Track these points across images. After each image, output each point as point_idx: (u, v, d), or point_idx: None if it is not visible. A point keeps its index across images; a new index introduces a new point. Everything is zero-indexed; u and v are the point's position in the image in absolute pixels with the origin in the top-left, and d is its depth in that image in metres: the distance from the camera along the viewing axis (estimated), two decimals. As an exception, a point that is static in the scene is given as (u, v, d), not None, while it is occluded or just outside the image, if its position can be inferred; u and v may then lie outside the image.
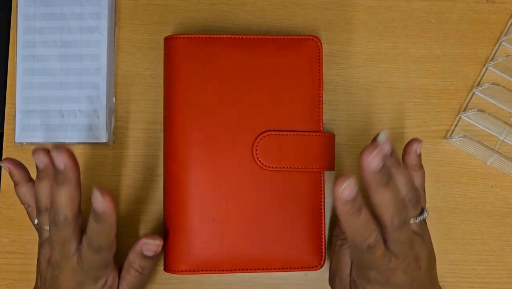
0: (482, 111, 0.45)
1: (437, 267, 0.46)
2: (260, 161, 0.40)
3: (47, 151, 0.37)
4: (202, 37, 0.42)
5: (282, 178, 0.41)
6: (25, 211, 0.41)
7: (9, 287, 0.45)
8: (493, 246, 0.46)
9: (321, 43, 0.42)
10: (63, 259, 0.37)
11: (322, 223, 0.42)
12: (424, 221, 0.38)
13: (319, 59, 0.42)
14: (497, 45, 0.48)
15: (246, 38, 0.42)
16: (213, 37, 0.42)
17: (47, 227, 0.37)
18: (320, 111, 0.42)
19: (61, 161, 0.34)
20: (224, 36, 0.42)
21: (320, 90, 0.42)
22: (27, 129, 0.46)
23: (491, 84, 0.45)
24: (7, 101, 0.47)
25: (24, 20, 0.47)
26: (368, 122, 0.47)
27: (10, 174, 0.40)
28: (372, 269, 0.35)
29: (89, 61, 0.46)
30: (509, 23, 0.48)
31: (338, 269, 0.40)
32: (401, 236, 0.35)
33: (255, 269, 0.41)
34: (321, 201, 0.42)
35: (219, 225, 0.40)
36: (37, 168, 0.37)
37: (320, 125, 0.42)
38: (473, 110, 0.45)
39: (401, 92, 0.47)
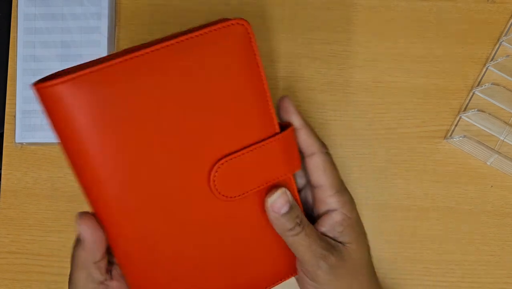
0: (482, 111, 0.44)
1: (438, 267, 0.46)
2: (221, 193, 0.33)
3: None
4: (88, 73, 0.29)
5: (248, 202, 0.34)
6: (25, 211, 0.40)
7: (9, 287, 0.45)
8: (493, 246, 0.46)
9: (249, 26, 0.32)
10: None
11: None
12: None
13: (252, 47, 0.32)
14: (497, 45, 0.48)
15: (148, 53, 0.30)
16: (104, 68, 0.29)
17: None
18: (270, 109, 0.33)
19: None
20: (116, 62, 0.29)
21: (263, 84, 0.33)
22: (27, 129, 0.46)
23: (491, 84, 0.45)
24: (7, 101, 0.47)
25: (24, 20, 0.47)
26: (368, 122, 0.47)
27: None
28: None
29: (89, 61, 0.46)
30: (509, 23, 0.48)
31: None
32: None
33: None
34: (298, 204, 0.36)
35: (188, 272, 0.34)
36: None
37: (274, 126, 0.34)
38: (473, 110, 0.45)
39: (401, 92, 0.47)
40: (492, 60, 0.47)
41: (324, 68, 0.47)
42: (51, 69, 0.46)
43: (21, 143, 0.47)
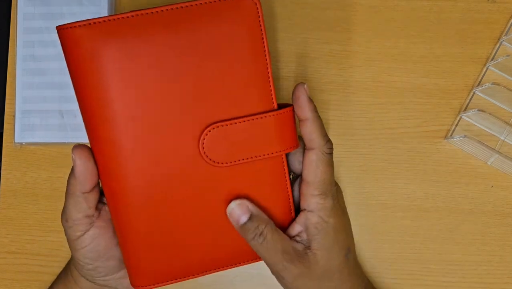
0: (482, 111, 0.44)
1: (438, 267, 0.46)
2: (208, 157, 0.34)
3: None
4: (106, 21, 0.31)
5: (237, 173, 0.35)
6: (25, 211, 0.40)
7: (8, 287, 0.45)
8: (493, 246, 0.46)
9: (259, 2, 0.33)
10: None
11: (290, 209, 0.37)
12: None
13: (260, 22, 0.33)
14: (498, 44, 0.47)
15: (163, 11, 0.32)
16: (120, 18, 0.31)
17: None
18: (270, 86, 0.34)
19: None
20: (135, 14, 0.31)
21: (266, 61, 0.34)
22: (27, 129, 0.46)
23: (491, 84, 0.45)
24: (6, 101, 0.47)
25: (23, 20, 0.47)
26: (368, 122, 0.47)
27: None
28: None
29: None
30: (510, 23, 0.48)
31: None
32: None
33: (224, 267, 0.37)
34: (286, 186, 0.36)
35: (171, 234, 0.35)
36: None
37: (273, 103, 0.34)
38: (473, 110, 0.45)
39: (401, 92, 0.47)
40: (492, 60, 0.47)
41: (324, 68, 0.47)
42: (50, 69, 0.46)
43: (21, 143, 0.46)
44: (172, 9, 0.32)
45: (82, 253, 0.35)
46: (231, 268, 0.37)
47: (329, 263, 0.35)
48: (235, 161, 0.34)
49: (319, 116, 0.35)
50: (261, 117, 0.34)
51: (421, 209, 0.46)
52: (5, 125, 0.47)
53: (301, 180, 0.35)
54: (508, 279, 0.45)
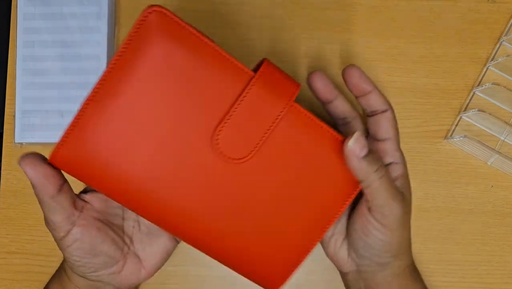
0: (482, 111, 0.44)
1: (438, 267, 0.46)
2: (230, 157, 0.33)
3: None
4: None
5: (260, 163, 0.34)
6: (25, 211, 0.40)
7: (8, 287, 0.45)
8: (493, 246, 0.46)
9: (163, 8, 0.31)
10: None
11: (340, 140, 0.35)
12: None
13: (175, 22, 0.32)
14: (498, 45, 0.47)
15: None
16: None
17: None
18: (229, 61, 0.32)
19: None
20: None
21: (210, 47, 0.32)
22: (27, 129, 0.46)
23: (491, 84, 0.45)
24: (7, 101, 0.47)
25: (24, 20, 0.47)
26: (368, 122, 0.47)
27: None
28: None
29: (89, 61, 0.46)
30: (510, 23, 0.48)
31: None
32: None
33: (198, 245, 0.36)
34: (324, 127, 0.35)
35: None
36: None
37: (245, 73, 0.33)
38: (473, 110, 0.45)
39: (401, 92, 0.47)
40: (492, 60, 0.47)
41: (324, 68, 0.47)
42: (50, 69, 0.46)
43: (21, 144, 0.46)
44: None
45: (69, 251, 0.35)
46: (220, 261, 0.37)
47: (410, 209, 0.38)
48: (254, 148, 0.33)
49: (376, 87, 0.38)
50: (247, 92, 0.33)
51: (421, 209, 0.46)
52: (5, 125, 0.47)
53: (376, 141, 0.38)
54: (508, 279, 0.45)
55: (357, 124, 0.39)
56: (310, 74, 0.38)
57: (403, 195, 0.36)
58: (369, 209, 0.36)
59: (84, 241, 0.34)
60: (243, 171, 0.34)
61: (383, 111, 0.38)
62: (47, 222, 0.35)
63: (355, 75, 0.37)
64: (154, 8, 0.30)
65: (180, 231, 0.35)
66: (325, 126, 0.35)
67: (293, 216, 0.35)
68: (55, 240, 0.35)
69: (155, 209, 0.34)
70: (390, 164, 0.38)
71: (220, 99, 0.32)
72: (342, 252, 0.39)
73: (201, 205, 0.34)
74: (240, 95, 0.32)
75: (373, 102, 0.38)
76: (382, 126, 0.38)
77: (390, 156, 0.38)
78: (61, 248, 0.35)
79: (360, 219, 0.37)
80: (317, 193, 0.35)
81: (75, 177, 0.33)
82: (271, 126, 0.33)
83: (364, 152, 0.33)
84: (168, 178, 0.33)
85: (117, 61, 0.31)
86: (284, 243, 0.36)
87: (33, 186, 0.33)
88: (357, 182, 0.36)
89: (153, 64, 0.31)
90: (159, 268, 0.38)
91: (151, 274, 0.38)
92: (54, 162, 0.32)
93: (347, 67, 0.37)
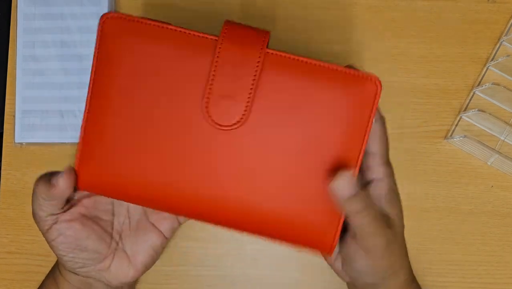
0: (482, 111, 0.44)
1: (438, 267, 0.46)
2: (220, 124, 0.32)
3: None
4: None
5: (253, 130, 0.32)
6: (25, 211, 0.40)
7: (8, 287, 0.45)
8: (493, 246, 0.46)
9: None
10: None
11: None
12: None
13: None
14: (498, 45, 0.47)
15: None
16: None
17: None
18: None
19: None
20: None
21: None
22: (27, 129, 0.46)
23: (491, 84, 0.45)
24: (7, 101, 0.47)
25: (24, 20, 0.47)
26: (368, 122, 0.47)
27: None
28: None
29: (89, 61, 0.46)
30: (510, 23, 0.48)
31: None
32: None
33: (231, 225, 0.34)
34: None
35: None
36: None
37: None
38: (473, 110, 0.45)
39: (402, 92, 0.47)
40: (492, 60, 0.47)
41: (324, 68, 0.47)
42: (50, 69, 0.46)
43: (21, 143, 0.46)
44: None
45: (54, 245, 0.35)
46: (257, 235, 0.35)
47: (401, 229, 0.36)
48: (244, 111, 0.32)
49: None
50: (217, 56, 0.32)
51: (421, 209, 0.46)
52: (5, 125, 0.47)
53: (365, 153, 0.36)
54: (508, 279, 0.45)
55: (376, 127, 0.35)
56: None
57: (388, 221, 0.35)
58: (354, 235, 0.35)
59: (67, 236, 0.35)
60: (245, 133, 0.32)
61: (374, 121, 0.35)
62: (33, 215, 0.35)
63: None
64: (106, 16, 0.32)
65: (212, 215, 0.34)
66: (311, 61, 0.32)
67: (313, 166, 0.33)
68: (42, 233, 0.36)
69: (181, 202, 0.33)
70: (372, 180, 0.36)
71: (196, 73, 0.32)
72: (337, 264, 0.38)
73: (221, 182, 0.33)
74: (212, 61, 0.31)
75: None
76: (369, 139, 0.35)
77: (373, 171, 0.35)
78: (47, 241, 0.36)
79: (346, 243, 0.36)
80: (329, 133, 0.33)
81: (98, 194, 0.35)
82: (254, 80, 0.31)
83: (348, 193, 0.32)
84: (181, 168, 0.33)
85: (94, 79, 0.33)
86: (314, 197, 0.34)
87: (44, 186, 0.33)
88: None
89: (126, 65, 0.32)
90: (147, 266, 0.38)
91: (139, 272, 0.38)
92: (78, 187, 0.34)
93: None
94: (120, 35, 0.32)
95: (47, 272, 0.45)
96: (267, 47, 0.32)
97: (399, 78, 0.48)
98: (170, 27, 0.32)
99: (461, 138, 0.45)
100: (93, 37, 0.46)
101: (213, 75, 0.31)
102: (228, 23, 0.32)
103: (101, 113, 0.32)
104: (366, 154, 0.35)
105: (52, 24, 0.47)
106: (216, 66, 0.31)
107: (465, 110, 0.47)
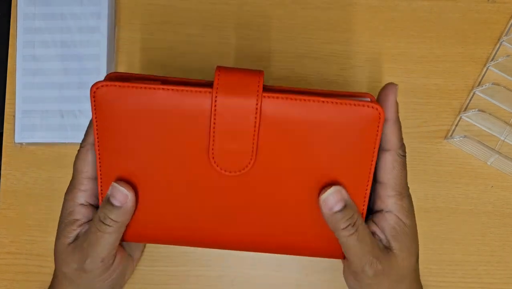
0: (482, 111, 0.44)
1: (438, 267, 0.46)
2: (226, 170, 0.34)
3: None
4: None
5: (257, 174, 0.34)
6: (25, 211, 0.40)
7: (8, 287, 0.45)
8: (493, 246, 0.46)
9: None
10: None
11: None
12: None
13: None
14: (498, 45, 0.47)
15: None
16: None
17: None
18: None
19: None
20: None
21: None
22: (27, 129, 0.46)
23: (491, 84, 0.45)
24: (7, 101, 0.47)
25: (24, 20, 0.47)
26: (368, 122, 0.47)
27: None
28: None
29: (89, 61, 0.46)
30: (510, 23, 0.48)
31: None
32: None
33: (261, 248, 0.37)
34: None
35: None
36: None
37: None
38: (473, 110, 0.45)
39: (402, 92, 0.47)
40: (492, 60, 0.47)
41: (324, 68, 0.47)
42: (50, 69, 0.46)
43: (21, 143, 0.46)
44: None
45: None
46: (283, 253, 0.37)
47: (406, 266, 0.35)
48: (248, 161, 0.34)
49: (399, 119, 0.34)
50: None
51: (421, 209, 0.46)
52: (5, 125, 0.47)
53: (376, 182, 0.35)
54: (508, 279, 0.45)
55: (390, 158, 0.34)
56: (387, 85, 0.34)
57: (385, 253, 0.34)
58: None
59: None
60: (255, 174, 0.34)
61: (386, 150, 0.34)
62: (101, 259, 0.36)
63: (391, 96, 0.34)
64: (96, 86, 0.32)
65: (233, 246, 0.37)
66: (308, 98, 0.32)
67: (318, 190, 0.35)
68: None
69: (205, 240, 0.37)
70: (380, 211, 0.35)
71: (197, 128, 0.33)
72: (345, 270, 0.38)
73: (237, 221, 0.36)
74: (210, 117, 0.32)
75: (383, 135, 0.34)
76: (381, 167, 0.34)
77: (382, 202, 0.34)
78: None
79: (343, 261, 0.36)
80: (334, 164, 0.34)
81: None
82: (255, 125, 0.32)
83: (336, 207, 0.32)
84: (200, 213, 0.35)
85: (99, 146, 0.34)
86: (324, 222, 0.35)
87: (113, 209, 0.34)
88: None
89: (127, 130, 0.33)
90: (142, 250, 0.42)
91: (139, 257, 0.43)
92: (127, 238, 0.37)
93: (390, 85, 0.34)
94: (113, 103, 0.33)
95: (47, 272, 0.46)
96: (263, 85, 0.32)
97: (399, 78, 0.48)
98: (162, 87, 0.32)
99: (461, 138, 0.45)
100: (93, 37, 0.47)
101: (213, 131, 0.32)
102: (219, 71, 0.32)
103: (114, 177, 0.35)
104: (378, 183, 0.35)
105: (52, 24, 0.47)
106: (215, 122, 0.32)
107: (465, 110, 0.47)
